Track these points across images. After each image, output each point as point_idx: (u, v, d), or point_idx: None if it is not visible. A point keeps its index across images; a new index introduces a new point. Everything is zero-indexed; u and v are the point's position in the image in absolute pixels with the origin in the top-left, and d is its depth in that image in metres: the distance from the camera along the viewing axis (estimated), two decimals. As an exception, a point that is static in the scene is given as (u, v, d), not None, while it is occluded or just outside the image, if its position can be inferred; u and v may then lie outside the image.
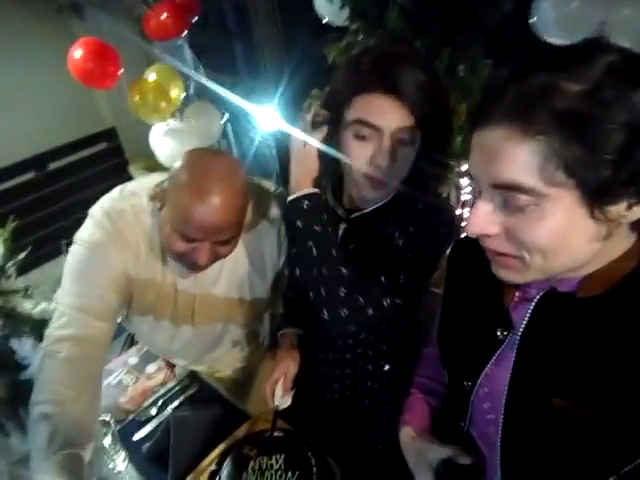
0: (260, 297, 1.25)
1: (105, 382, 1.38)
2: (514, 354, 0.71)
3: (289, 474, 1.03)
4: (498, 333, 0.73)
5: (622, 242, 0.61)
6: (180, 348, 1.28)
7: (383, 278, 0.99)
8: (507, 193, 0.57)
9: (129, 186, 1.11)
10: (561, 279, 0.66)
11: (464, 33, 1.49)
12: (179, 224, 0.95)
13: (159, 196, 1.01)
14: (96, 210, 1.06)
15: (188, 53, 2.68)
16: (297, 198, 1.02)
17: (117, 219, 1.04)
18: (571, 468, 0.65)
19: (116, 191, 1.10)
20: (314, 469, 1.04)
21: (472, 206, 0.60)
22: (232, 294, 1.20)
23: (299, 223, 1.01)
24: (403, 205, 1.03)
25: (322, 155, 1.01)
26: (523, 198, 0.55)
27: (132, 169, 3.29)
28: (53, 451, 0.83)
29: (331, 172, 1.07)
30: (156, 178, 1.09)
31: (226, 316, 1.25)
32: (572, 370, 0.64)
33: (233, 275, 1.18)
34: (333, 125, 0.98)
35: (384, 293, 0.99)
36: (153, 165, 2.79)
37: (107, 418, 1.14)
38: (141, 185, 1.10)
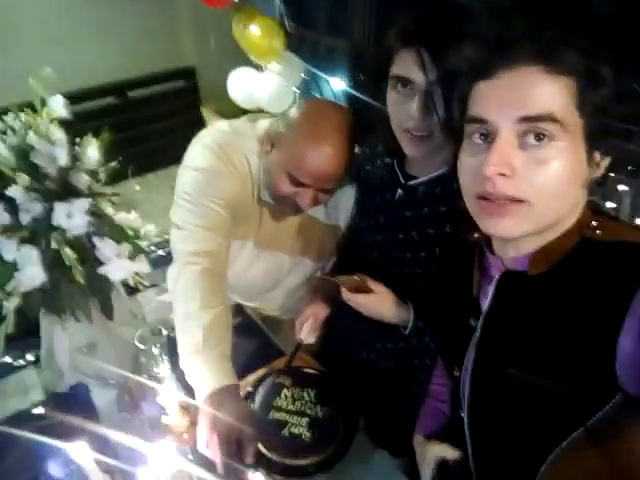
0: (328, 241, 1.33)
1: (161, 298, 1.49)
2: (479, 331, 0.76)
3: (317, 407, 1.10)
4: (471, 321, 0.78)
5: (575, 215, 0.67)
6: (246, 283, 1.36)
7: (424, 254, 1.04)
8: (534, 125, 0.60)
9: (236, 124, 1.17)
10: (513, 258, 0.71)
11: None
12: (291, 168, 1.01)
13: (270, 140, 1.07)
14: (209, 141, 1.12)
15: (277, 2, 2.68)
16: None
17: (230, 152, 1.11)
18: (530, 431, 0.70)
19: (224, 126, 1.16)
20: (340, 410, 1.11)
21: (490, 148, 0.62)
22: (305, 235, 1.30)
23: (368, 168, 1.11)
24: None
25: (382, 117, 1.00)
26: (551, 128, 0.59)
27: (204, 110, 3.37)
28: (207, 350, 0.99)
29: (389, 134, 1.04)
30: (262, 121, 1.16)
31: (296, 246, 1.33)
32: (526, 342, 0.70)
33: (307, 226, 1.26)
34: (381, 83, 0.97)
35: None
36: (226, 108, 2.85)
37: (160, 327, 1.24)
38: (247, 126, 1.16)
